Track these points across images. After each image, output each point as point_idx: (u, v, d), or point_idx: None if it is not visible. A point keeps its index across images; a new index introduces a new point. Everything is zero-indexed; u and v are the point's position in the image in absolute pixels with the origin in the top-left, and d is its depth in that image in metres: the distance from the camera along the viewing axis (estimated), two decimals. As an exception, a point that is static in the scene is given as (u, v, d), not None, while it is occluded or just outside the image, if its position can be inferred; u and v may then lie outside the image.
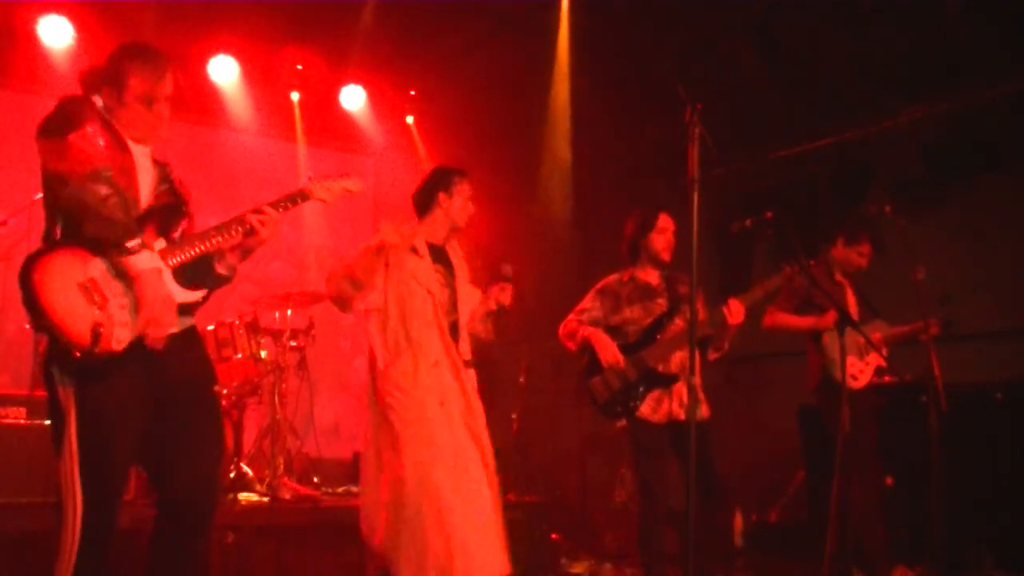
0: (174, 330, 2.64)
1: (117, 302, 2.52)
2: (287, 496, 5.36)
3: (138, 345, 2.55)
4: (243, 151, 7.67)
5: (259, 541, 4.90)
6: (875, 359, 4.68)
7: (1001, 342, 5.48)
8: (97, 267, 2.53)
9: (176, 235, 2.72)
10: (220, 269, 2.86)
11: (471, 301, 3.87)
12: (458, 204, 3.83)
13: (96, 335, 2.43)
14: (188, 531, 2.72)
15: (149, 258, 2.54)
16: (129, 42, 2.86)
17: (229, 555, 4.70)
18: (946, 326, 4.71)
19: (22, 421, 4.76)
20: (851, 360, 4.59)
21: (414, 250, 3.75)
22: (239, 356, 5.63)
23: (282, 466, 5.65)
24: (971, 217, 5.86)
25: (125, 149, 2.70)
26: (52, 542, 2.57)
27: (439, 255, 3.84)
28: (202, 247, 2.72)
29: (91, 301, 2.48)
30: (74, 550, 2.50)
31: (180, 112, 7.55)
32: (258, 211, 2.81)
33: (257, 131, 7.52)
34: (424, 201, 3.86)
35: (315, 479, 5.94)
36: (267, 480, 5.51)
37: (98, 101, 2.79)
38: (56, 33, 6.44)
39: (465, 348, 3.81)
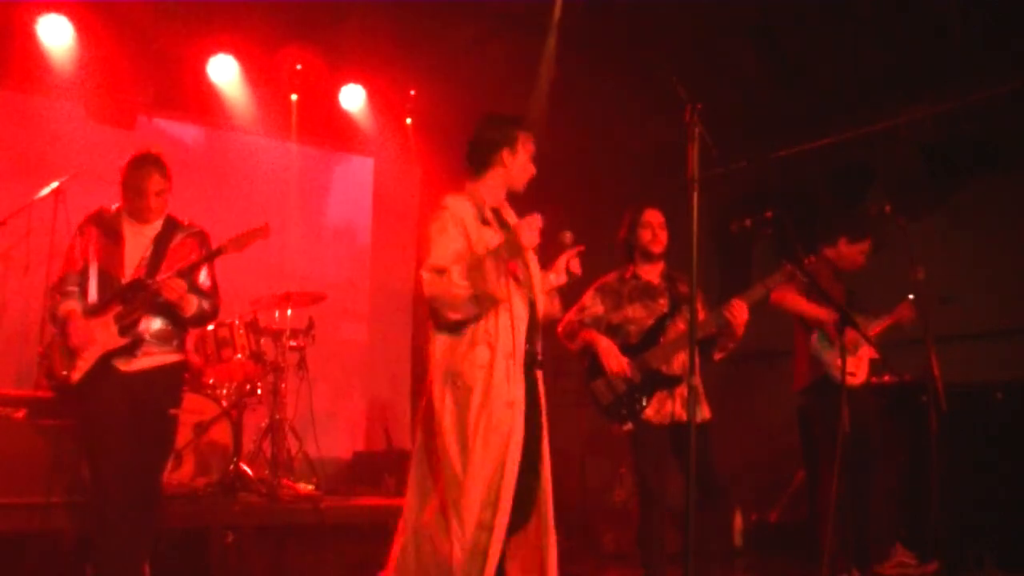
0: (144, 365, 3.74)
1: (79, 354, 3.68)
2: (287, 496, 5.36)
3: (97, 374, 3.65)
4: (243, 151, 7.67)
5: (259, 541, 4.90)
6: (867, 353, 4.68)
7: (1001, 342, 5.48)
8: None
9: (133, 302, 3.72)
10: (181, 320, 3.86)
11: (540, 276, 3.40)
12: (521, 163, 3.38)
13: (65, 373, 3.68)
14: (122, 525, 3.60)
15: (68, 305, 3.73)
16: (140, 152, 3.85)
17: (229, 555, 4.71)
18: (944, 301, 4.70)
19: (22, 421, 4.75)
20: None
21: (485, 221, 3.27)
22: (239, 356, 5.63)
23: (282, 466, 5.65)
24: (971, 217, 5.86)
25: (118, 238, 3.81)
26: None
27: (500, 222, 3.36)
28: (140, 306, 3.70)
29: (69, 355, 3.69)
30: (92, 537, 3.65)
31: (179, 112, 7.60)
32: (169, 278, 3.67)
33: (257, 131, 7.52)
34: (481, 157, 3.37)
35: (315, 479, 5.95)
36: (267, 480, 5.51)
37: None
38: (55, 32, 6.42)
39: (539, 341, 3.35)
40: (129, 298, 3.71)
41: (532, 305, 3.32)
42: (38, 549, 4.19)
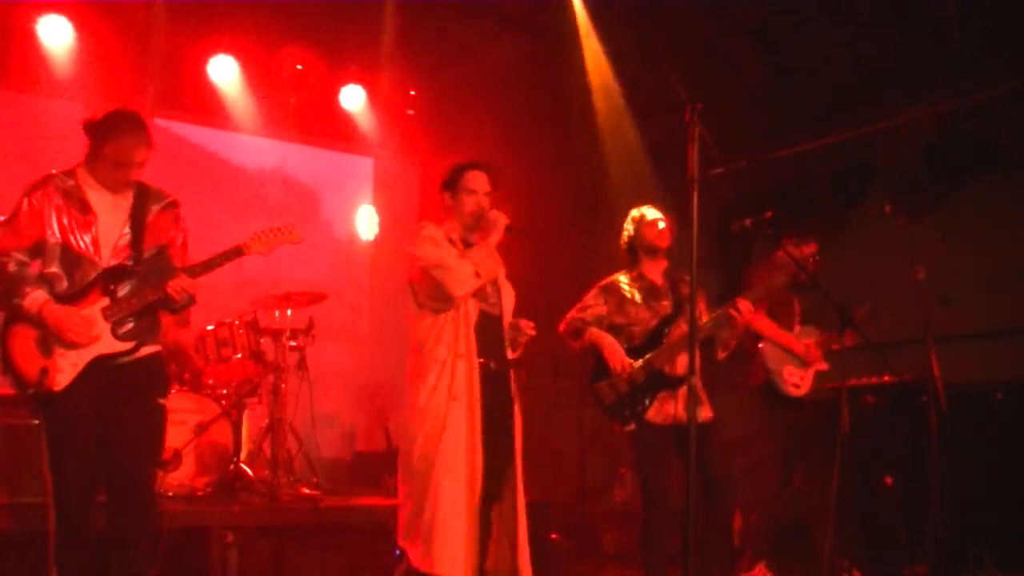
0: (123, 359, 3.31)
1: (60, 353, 3.22)
2: (287, 496, 5.36)
3: (85, 377, 3.23)
4: (243, 151, 7.67)
5: (259, 541, 4.90)
6: (819, 366, 4.85)
7: (1001, 342, 5.47)
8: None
9: (120, 293, 3.32)
10: (167, 311, 3.47)
11: (510, 297, 3.82)
12: (459, 203, 3.74)
13: (41, 378, 3.16)
14: (126, 521, 3.33)
15: (38, 296, 3.21)
16: (117, 111, 3.41)
17: (229, 555, 4.70)
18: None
19: (22, 421, 4.75)
20: (791, 369, 4.90)
21: (451, 241, 3.68)
22: (239, 356, 5.63)
23: (282, 466, 5.65)
24: (971, 217, 5.85)
25: (87, 209, 3.34)
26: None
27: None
28: (137, 304, 3.32)
29: (43, 352, 3.21)
30: (53, 539, 3.16)
31: (179, 112, 7.59)
32: (179, 279, 3.33)
33: (257, 131, 7.52)
34: (442, 202, 3.83)
35: (315, 479, 5.94)
36: (267, 480, 5.51)
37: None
38: (55, 33, 6.42)
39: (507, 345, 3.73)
40: (113, 289, 3.29)
41: (498, 318, 3.70)
42: (38, 549, 4.18)
